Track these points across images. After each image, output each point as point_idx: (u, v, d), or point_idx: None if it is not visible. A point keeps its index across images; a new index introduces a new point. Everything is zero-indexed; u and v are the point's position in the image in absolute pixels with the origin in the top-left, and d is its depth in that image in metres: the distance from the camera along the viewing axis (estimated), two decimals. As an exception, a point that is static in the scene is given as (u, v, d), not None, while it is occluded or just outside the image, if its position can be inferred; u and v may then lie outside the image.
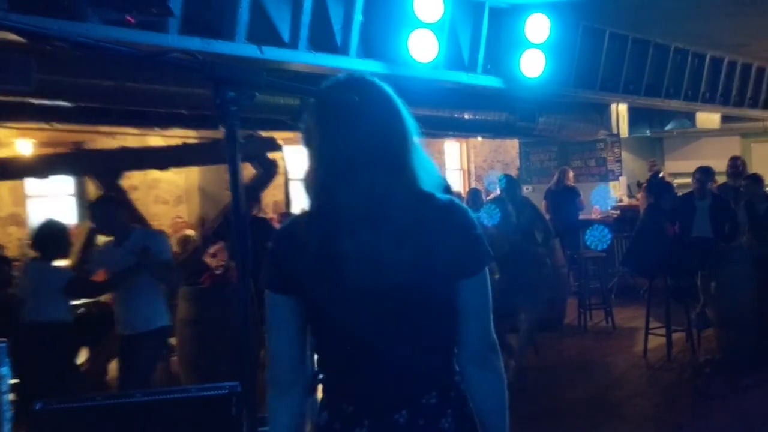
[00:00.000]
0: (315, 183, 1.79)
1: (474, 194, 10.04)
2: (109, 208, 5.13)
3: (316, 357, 1.90)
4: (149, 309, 4.94)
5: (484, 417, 1.88)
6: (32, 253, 5.30)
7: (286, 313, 1.81)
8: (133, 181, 10.16)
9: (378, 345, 1.78)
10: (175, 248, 8.71)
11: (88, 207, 5.57)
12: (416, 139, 1.84)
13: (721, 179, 9.73)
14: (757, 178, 8.13)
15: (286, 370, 1.84)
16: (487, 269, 1.84)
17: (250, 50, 4.87)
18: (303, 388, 1.85)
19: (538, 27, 6.61)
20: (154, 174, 10.54)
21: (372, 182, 1.73)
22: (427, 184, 1.82)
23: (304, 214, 1.85)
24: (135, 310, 4.96)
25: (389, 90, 1.85)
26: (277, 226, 8.70)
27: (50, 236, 5.20)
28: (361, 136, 1.75)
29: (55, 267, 5.17)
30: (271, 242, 1.85)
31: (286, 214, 9.39)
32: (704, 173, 8.11)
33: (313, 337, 1.85)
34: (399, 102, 1.85)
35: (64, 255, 5.43)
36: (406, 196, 1.76)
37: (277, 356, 1.85)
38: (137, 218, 6.62)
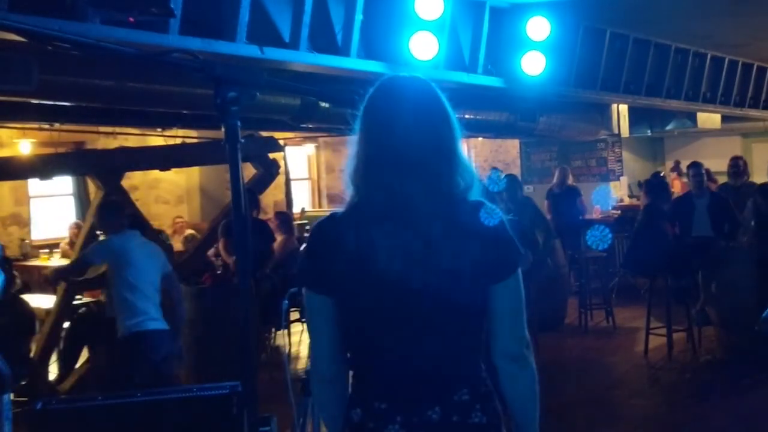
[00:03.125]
0: (354, 180, 1.84)
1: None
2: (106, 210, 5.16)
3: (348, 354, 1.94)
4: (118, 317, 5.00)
5: (518, 412, 1.92)
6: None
7: (325, 313, 1.85)
8: (134, 181, 10.17)
9: (408, 344, 1.80)
10: (179, 248, 8.73)
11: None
12: (459, 143, 1.85)
13: (722, 179, 9.72)
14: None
15: (326, 368, 1.91)
16: (519, 271, 1.85)
17: (251, 50, 4.86)
18: (345, 380, 1.92)
19: (538, 27, 6.60)
20: (155, 174, 10.54)
21: (401, 182, 1.77)
22: (463, 187, 1.84)
23: (343, 211, 1.89)
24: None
25: (436, 92, 1.86)
26: (273, 225, 8.70)
27: None
28: (398, 137, 1.79)
29: None
30: (307, 241, 1.91)
31: (284, 213, 9.36)
32: (697, 167, 8.09)
33: (346, 333, 1.88)
34: (446, 104, 1.86)
35: None
36: (434, 198, 1.79)
37: (317, 354, 1.92)
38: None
